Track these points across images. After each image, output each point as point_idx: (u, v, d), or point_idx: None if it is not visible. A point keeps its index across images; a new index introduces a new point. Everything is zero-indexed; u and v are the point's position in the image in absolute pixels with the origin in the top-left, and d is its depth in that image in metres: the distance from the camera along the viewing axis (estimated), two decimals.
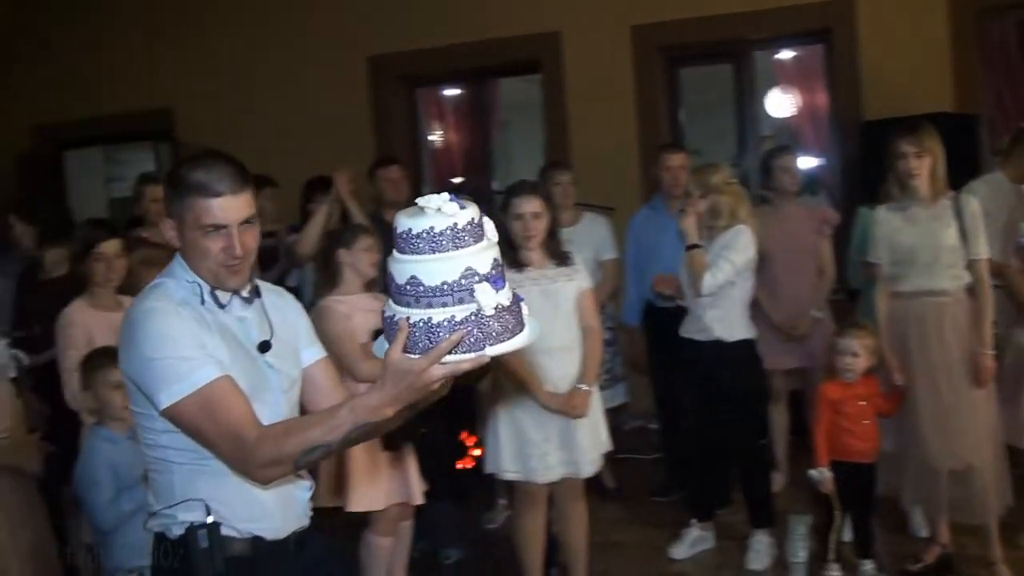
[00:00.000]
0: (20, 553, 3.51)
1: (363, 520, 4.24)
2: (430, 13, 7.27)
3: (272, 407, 2.35)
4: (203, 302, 2.32)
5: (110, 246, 4.17)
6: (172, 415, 2.20)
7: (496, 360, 3.77)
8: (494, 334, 1.94)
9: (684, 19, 6.78)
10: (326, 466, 4.16)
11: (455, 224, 1.93)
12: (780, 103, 8.02)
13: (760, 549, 4.69)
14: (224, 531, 2.32)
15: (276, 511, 2.40)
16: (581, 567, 4.41)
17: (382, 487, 4.13)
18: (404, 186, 5.82)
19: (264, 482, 2.21)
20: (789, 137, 8.18)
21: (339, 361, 3.94)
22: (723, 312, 4.65)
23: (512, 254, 4.15)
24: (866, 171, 5.90)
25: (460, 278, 1.91)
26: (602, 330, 4.52)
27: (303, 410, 2.51)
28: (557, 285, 4.17)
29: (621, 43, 6.92)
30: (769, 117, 8.25)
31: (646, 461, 6.30)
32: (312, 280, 5.36)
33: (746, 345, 4.72)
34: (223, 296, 2.35)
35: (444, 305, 1.91)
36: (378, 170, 5.79)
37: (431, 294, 1.91)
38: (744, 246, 4.60)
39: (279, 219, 5.95)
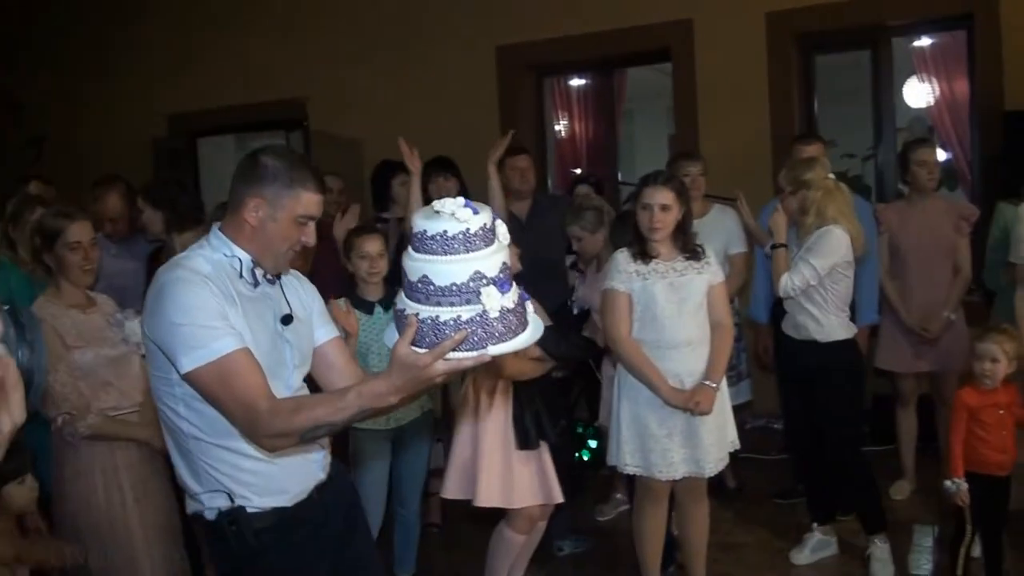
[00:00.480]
0: (145, 523, 3.60)
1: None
2: (560, 2, 7.22)
3: (284, 381, 2.51)
4: (240, 276, 2.49)
5: None
6: (192, 379, 2.34)
7: (618, 354, 3.75)
8: (497, 334, 2.04)
9: (820, 4, 6.58)
10: (457, 460, 4.17)
11: (467, 229, 2.03)
12: (918, 92, 7.74)
13: (882, 557, 4.50)
14: (250, 510, 2.50)
15: (292, 483, 2.58)
16: (700, 567, 4.35)
17: (514, 486, 4.10)
18: (531, 175, 5.80)
19: (271, 450, 2.37)
20: (925, 128, 7.90)
21: None
22: (817, 312, 4.48)
23: (640, 245, 4.09)
24: (1008, 165, 5.66)
25: (468, 280, 2.02)
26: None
27: (316, 387, 2.69)
28: (685, 278, 4.06)
29: (755, 30, 6.75)
30: (906, 107, 7.97)
31: (768, 461, 6.19)
32: None
33: (842, 347, 4.52)
34: (259, 274, 2.54)
35: (452, 305, 2.02)
36: (507, 159, 5.76)
37: (440, 293, 2.03)
38: (830, 249, 4.37)
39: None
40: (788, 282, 4.39)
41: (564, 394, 4.44)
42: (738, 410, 4.92)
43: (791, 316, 4.61)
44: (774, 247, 4.50)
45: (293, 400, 2.38)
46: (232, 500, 2.48)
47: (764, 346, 5.63)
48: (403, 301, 2.11)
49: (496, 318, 2.02)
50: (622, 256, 4.13)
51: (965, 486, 4.05)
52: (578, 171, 8.13)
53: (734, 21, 6.80)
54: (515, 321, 2.07)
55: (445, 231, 2.03)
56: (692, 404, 3.97)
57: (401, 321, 2.10)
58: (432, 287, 2.03)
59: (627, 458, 4.12)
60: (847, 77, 7.71)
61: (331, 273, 4.69)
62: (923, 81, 7.43)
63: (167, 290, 2.39)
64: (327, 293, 4.42)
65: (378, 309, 4.31)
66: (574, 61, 7.69)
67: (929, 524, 4.50)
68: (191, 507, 2.58)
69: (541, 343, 4.07)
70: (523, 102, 7.60)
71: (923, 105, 7.66)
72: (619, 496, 5.50)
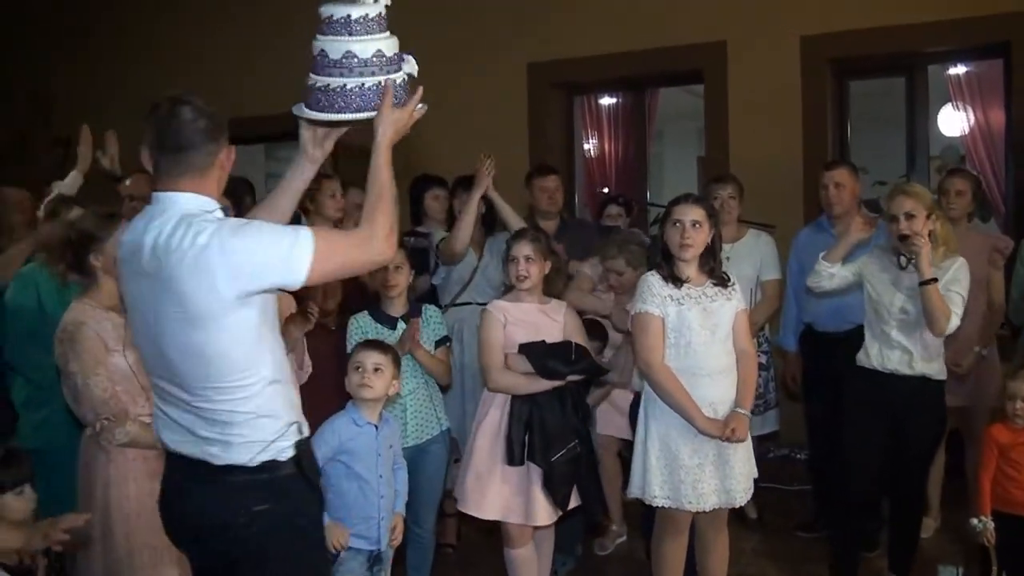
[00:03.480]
0: None
1: None
2: (592, 21, 7.15)
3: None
4: None
5: None
6: (315, 276, 2.47)
7: (651, 380, 3.94)
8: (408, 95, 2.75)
9: (856, 30, 6.48)
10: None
11: (380, 12, 2.68)
12: (952, 120, 7.64)
13: None
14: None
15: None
16: None
17: (486, 496, 4.14)
18: (559, 196, 5.71)
19: (391, 251, 2.60)
20: (958, 157, 7.80)
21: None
22: (933, 347, 4.26)
23: (669, 267, 4.02)
24: None
25: (392, 54, 2.71)
26: (757, 354, 4.31)
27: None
28: (716, 304, 3.99)
29: (789, 54, 6.65)
30: (940, 135, 7.87)
31: (790, 492, 6.08)
32: (457, 279, 5.31)
33: (943, 385, 4.38)
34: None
35: (387, 72, 2.71)
36: (535, 179, 5.68)
37: (386, 63, 2.72)
38: (968, 280, 4.22)
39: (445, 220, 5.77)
40: (956, 321, 4.11)
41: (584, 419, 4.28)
42: (761, 440, 4.83)
43: (892, 348, 4.30)
44: (924, 283, 4.08)
45: (364, 216, 2.60)
46: (301, 431, 2.62)
47: (792, 374, 5.52)
48: (325, 79, 2.70)
49: (408, 80, 2.74)
50: (654, 279, 4.03)
51: (991, 525, 3.96)
52: (607, 191, 8.06)
53: (768, 44, 6.71)
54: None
55: (367, 14, 2.66)
56: (728, 432, 3.88)
57: (321, 93, 2.72)
58: (384, 58, 2.68)
59: (656, 490, 3.98)
60: (881, 103, 7.61)
61: (354, 287, 4.65)
62: (958, 109, 7.34)
63: (222, 244, 2.39)
64: (352, 307, 4.42)
65: (401, 325, 4.26)
66: (605, 80, 7.64)
67: (953, 564, 4.39)
68: (264, 457, 2.55)
69: (529, 357, 4.06)
70: (553, 120, 7.54)
71: (957, 134, 7.56)
72: (614, 528, 5.35)
